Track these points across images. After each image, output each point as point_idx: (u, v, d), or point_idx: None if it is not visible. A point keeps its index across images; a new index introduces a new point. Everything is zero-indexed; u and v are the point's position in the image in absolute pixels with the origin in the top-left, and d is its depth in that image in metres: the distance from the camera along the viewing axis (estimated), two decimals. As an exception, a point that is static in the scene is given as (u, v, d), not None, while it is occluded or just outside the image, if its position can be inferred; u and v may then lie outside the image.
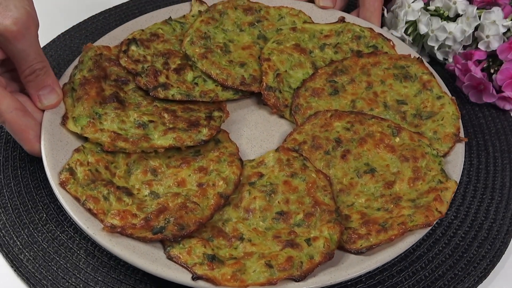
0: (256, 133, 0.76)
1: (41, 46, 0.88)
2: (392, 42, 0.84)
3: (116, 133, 0.67)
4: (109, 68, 0.75)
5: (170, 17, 0.83)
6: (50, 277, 0.63)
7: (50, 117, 0.69)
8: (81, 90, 0.71)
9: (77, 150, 0.66)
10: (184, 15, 0.85)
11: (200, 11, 0.84)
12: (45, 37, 0.89)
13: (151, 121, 0.69)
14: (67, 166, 0.64)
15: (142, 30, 0.81)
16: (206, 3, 0.86)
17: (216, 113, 0.72)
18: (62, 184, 0.62)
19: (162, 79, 0.74)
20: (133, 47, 0.77)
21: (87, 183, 0.63)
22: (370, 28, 0.85)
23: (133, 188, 0.65)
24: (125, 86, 0.74)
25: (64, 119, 0.69)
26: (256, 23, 0.84)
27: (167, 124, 0.69)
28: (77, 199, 0.62)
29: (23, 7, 0.63)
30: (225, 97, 0.76)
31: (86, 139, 0.68)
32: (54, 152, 0.66)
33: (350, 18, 0.87)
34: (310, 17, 0.87)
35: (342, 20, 0.86)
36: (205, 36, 0.80)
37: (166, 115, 0.70)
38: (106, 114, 0.69)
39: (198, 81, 0.76)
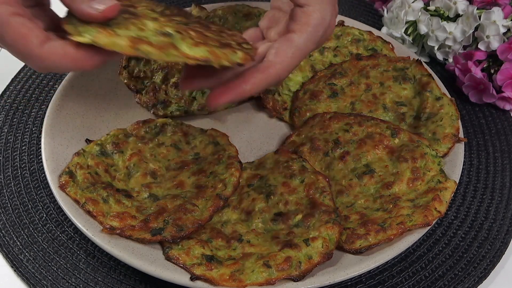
0: (256, 136, 0.76)
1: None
2: (391, 45, 0.85)
3: (137, 37, 0.52)
4: None
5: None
6: (50, 277, 0.63)
7: (50, 121, 0.70)
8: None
9: (77, 154, 0.67)
10: (184, 21, 0.86)
11: (199, 17, 0.85)
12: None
13: (177, 32, 0.54)
14: (67, 169, 0.65)
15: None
16: (206, 9, 0.87)
17: (245, 45, 0.60)
18: (62, 187, 0.63)
19: (161, 96, 0.75)
20: (132, 63, 0.78)
21: (86, 186, 0.64)
22: (369, 31, 0.86)
23: (132, 191, 0.65)
24: (136, 2, 0.59)
25: (69, 35, 0.52)
26: (255, 28, 0.84)
27: (196, 39, 0.55)
28: (76, 201, 0.63)
29: None
30: (223, 106, 0.77)
31: (86, 143, 0.70)
32: (54, 155, 0.67)
33: (349, 21, 0.87)
34: (309, 21, 0.88)
35: (341, 24, 0.87)
36: None
37: (192, 32, 0.56)
38: (119, 24, 0.53)
39: (196, 95, 0.77)
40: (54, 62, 0.53)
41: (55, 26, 0.57)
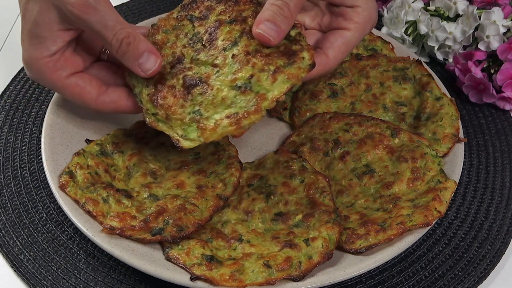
0: (256, 136, 0.76)
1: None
2: (391, 45, 0.84)
3: (233, 114, 0.58)
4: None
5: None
6: (50, 277, 0.64)
7: (50, 121, 0.70)
8: (159, 108, 0.62)
9: (77, 154, 0.67)
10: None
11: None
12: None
13: (250, 77, 0.59)
14: (67, 169, 0.65)
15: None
16: (206, 9, 0.87)
17: (292, 32, 0.61)
18: (62, 187, 0.63)
19: None
20: None
21: (86, 186, 0.64)
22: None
23: (132, 191, 0.65)
24: (180, 65, 0.63)
25: (177, 143, 0.60)
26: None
27: (266, 68, 0.59)
28: (76, 201, 0.63)
29: None
30: None
31: (86, 143, 0.70)
32: (54, 155, 0.67)
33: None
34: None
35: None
36: None
37: (256, 60, 0.59)
38: (201, 105, 0.59)
39: None
40: (107, 112, 0.65)
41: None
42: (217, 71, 0.60)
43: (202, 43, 0.63)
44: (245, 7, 0.64)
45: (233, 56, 0.60)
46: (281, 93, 0.58)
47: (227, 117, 0.58)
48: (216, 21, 0.64)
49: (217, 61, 0.61)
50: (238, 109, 0.58)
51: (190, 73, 0.61)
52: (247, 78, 0.59)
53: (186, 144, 0.60)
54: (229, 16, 0.64)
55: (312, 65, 0.59)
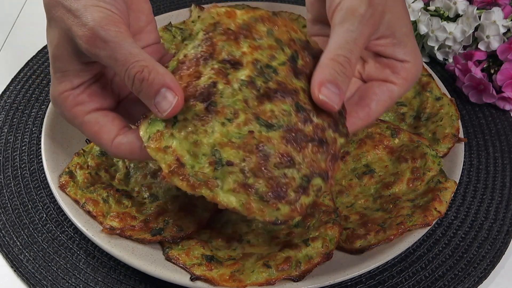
0: (256, 135, 0.76)
1: (38, 49, 0.89)
2: (392, 44, 0.84)
3: (180, 162, 0.50)
4: (220, 42, 0.52)
5: (170, 22, 0.85)
6: (50, 277, 0.64)
7: (50, 121, 0.70)
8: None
9: (77, 154, 0.67)
10: (184, 21, 0.86)
11: (199, 17, 0.86)
12: (44, 39, 0.90)
13: (229, 164, 0.49)
14: (67, 169, 0.65)
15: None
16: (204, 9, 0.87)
17: (316, 181, 0.51)
18: (62, 187, 0.64)
19: None
20: None
21: (86, 186, 0.64)
22: (370, 31, 0.85)
23: (132, 191, 0.66)
24: (232, 72, 0.51)
25: (141, 119, 0.53)
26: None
27: (246, 175, 0.49)
28: (76, 201, 0.63)
29: (99, 11, 0.51)
30: None
31: (86, 143, 0.70)
32: (54, 155, 0.67)
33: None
34: (309, 21, 0.87)
35: (341, 23, 0.87)
36: None
37: (252, 163, 0.50)
38: (184, 122, 0.51)
39: None
40: (123, 156, 0.56)
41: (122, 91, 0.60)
42: (230, 122, 0.50)
43: (259, 89, 0.51)
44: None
45: (250, 132, 0.50)
46: (222, 203, 0.50)
47: (177, 155, 0.50)
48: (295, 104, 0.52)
49: (242, 116, 0.50)
50: (189, 162, 0.50)
51: (216, 96, 0.51)
52: (226, 160, 0.50)
53: (142, 127, 0.52)
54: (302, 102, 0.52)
55: (281, 222, 0.50)
